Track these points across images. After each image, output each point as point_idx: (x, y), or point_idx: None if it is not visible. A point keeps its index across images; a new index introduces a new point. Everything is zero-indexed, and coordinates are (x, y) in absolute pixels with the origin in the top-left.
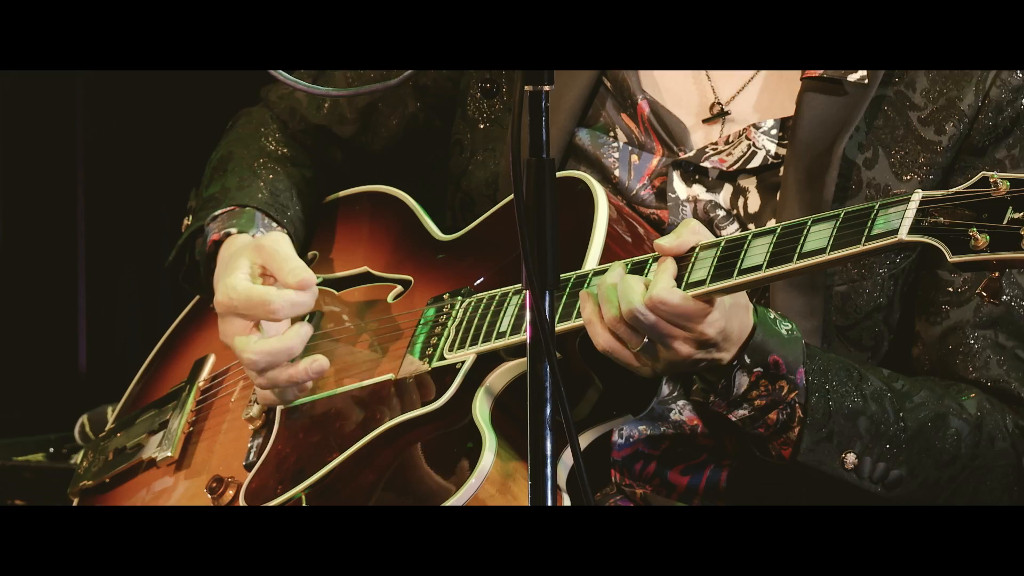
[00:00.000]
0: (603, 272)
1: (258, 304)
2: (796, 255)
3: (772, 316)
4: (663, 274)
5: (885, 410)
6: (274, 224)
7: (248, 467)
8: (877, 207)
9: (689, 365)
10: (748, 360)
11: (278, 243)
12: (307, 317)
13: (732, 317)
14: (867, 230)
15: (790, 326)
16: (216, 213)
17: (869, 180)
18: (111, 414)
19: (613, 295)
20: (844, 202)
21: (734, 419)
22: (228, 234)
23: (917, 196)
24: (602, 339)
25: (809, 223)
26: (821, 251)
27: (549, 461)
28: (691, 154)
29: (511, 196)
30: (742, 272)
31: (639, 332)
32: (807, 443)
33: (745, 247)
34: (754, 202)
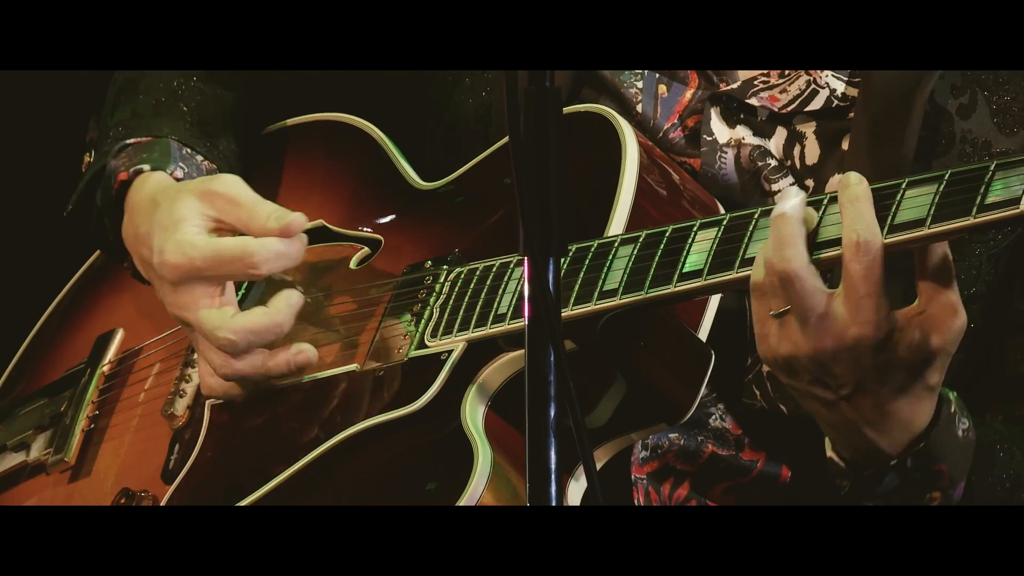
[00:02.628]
0: (633, 240)
1: (233, 259)
2: (887, 227)
3: (953, 408)
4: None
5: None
6: (199, 156)
7: (167, 478)
8: (993, 168)
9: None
10: (909, 464)
11: (235, 187)
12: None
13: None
14: (980, 198)
15: (967, 424)
16: (126, 142)
17: (964, 133)
18: None
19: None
20: (930, 161)
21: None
22: (139, 172)
23: None
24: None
25: (904, 186)
26: (919, 223)
27: (553, 479)
28: (735, 86)
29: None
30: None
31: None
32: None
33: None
34: (812, 151)
